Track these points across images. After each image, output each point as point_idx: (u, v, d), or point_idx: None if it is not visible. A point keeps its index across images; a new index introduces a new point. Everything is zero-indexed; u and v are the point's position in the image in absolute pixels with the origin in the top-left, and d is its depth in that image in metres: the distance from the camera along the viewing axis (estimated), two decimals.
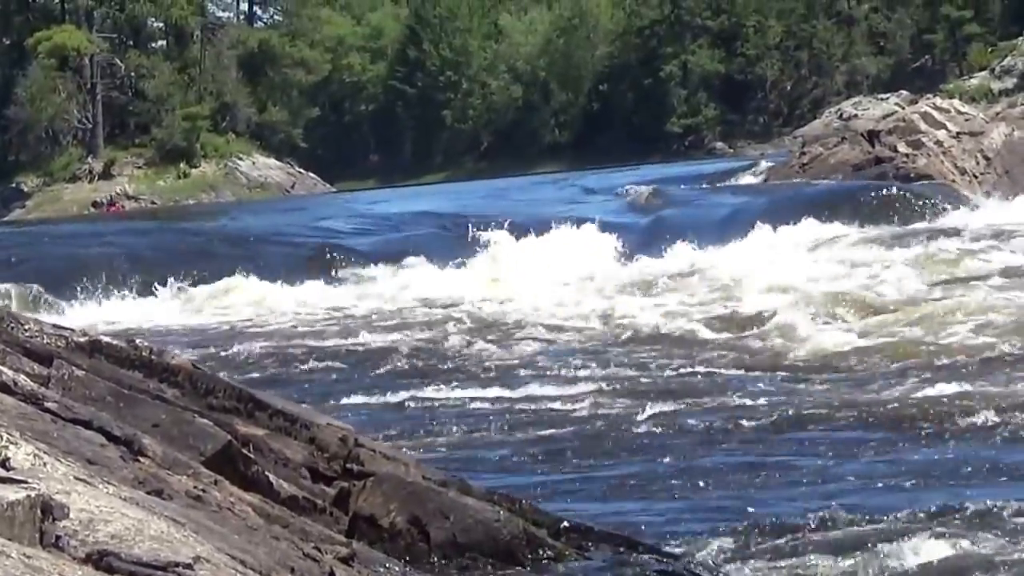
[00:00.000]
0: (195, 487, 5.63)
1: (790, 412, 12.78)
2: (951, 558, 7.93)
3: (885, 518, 8.89)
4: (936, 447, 11.08)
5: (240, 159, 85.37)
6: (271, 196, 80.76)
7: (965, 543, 8.16)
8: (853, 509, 9.18)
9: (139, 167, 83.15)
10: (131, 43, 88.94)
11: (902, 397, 13.23)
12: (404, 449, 9.34)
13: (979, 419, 11.83)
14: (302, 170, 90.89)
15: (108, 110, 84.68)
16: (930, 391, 13.31)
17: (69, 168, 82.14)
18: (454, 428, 13.01)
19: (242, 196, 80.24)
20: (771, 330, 18.33)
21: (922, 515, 8.86)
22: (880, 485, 9.97)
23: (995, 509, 8.81)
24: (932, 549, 8.06)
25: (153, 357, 6.95)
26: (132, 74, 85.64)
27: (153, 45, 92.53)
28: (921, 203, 35.49)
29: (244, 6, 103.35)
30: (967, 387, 13.25)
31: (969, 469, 10.20)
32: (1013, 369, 14.33)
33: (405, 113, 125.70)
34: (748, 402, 13.54)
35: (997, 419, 11.74)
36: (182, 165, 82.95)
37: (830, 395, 13.78)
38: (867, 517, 8.98)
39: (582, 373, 16.11)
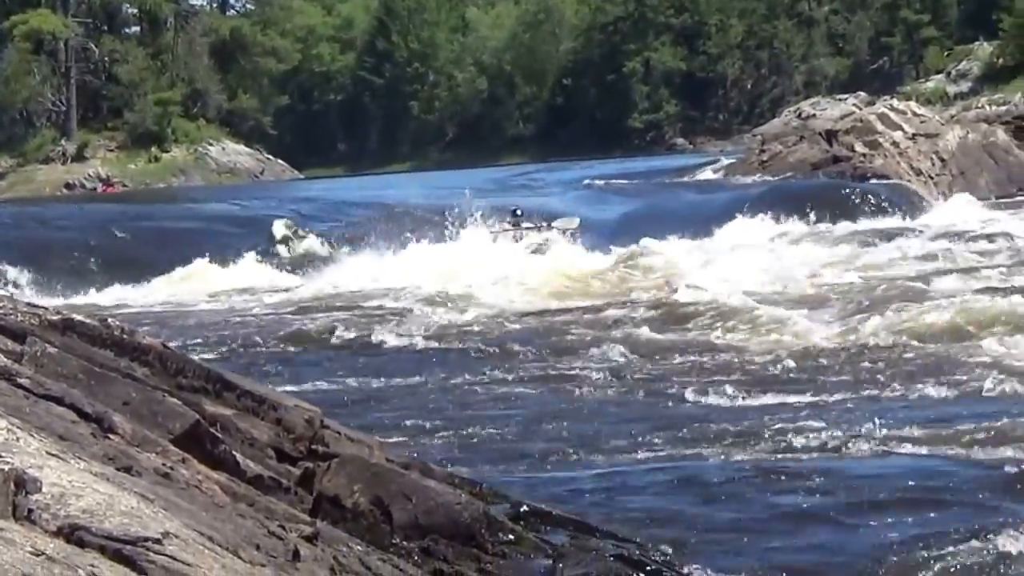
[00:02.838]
0: (164, 464, 5.70)
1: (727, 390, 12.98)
2: None
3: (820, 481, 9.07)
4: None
5: (210, 144, 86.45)
6: (240, 181, 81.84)
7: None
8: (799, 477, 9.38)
9: (111, 150, 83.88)
10: (105, 28, 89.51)
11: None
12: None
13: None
14: (271, 156, 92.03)
15: (82, 93, 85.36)
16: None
17: (43, 150, 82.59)
18: (403, 411, 13.15)
19: (211, 181, 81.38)
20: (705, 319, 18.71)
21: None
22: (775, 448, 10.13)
23: None
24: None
25: (124, 336, 7.02)
26: (106, 59, 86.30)
27: (127, 31, 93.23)
28: (877, 202, 35.78)
29: None
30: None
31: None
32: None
33: (373, 103, 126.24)
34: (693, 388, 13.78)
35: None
36: (153, 149, 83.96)
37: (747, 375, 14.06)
38: (816, 486, 9.19)
39: (530, 357, 16.25)
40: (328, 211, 38.78)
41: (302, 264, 29.23)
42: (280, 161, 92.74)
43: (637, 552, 7.56)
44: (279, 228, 32.15)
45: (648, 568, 7.27)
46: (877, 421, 11.53)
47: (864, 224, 33.55)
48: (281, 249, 30.50)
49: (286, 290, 25.78)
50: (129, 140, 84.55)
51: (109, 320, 7.18)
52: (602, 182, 47.54)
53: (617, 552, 7.41)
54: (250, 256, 29.35)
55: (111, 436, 5.73)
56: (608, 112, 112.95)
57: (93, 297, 26.45)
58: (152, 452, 5.82)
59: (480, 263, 26.98)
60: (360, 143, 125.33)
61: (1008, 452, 10.39)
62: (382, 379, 15.29)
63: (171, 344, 7.90)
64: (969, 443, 10.76)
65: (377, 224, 32.56)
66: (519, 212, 28.67)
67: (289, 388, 13.13)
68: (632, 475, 10.30)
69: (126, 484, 5.10)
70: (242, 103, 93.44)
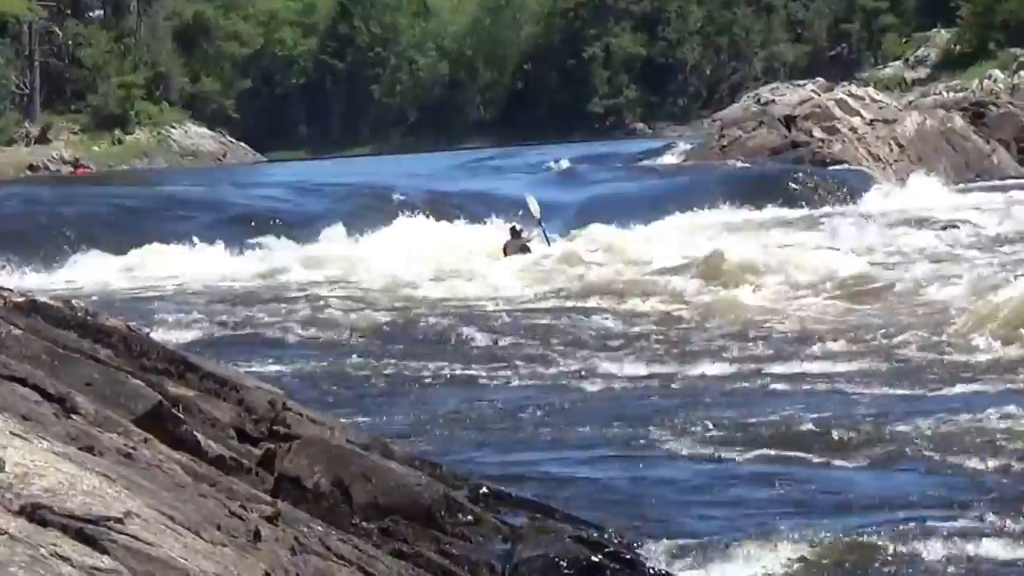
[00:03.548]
0: (126, 445, 5.73)
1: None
2: None
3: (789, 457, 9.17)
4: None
5: (173, 127, 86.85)
6: (202, 164, 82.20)
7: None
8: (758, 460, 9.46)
9: (75, 132, 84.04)
10: (69, 12, 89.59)
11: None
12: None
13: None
14: (233, 140, 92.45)
15: (45, 76, 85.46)
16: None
17: (6, 132, 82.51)
18: (363, 393, 13.19)
19: (174, 163, 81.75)
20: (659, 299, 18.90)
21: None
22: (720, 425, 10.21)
23: None
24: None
25: (88, 318, 7.04)
26: (70, 42, 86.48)
27: (91, 14, 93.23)
28: (835, 187, 35.94)
29: None
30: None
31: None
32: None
33: (335, 87, 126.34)
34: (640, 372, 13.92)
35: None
36: (117, 132, 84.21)
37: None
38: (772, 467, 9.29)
39: (502, 343, 16.32)
40: (296, 196, 38.73)
41: (262, 249, 29.16)
42: (243, 144, 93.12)
43: (595, 534, 7.61)
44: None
45: (606, 550, 7.33)
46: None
47: (819, 209, 33.75)
48: (244, 233, 30.45)
49: (245, 274, 25.74)
50: (92, 123, 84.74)
51: (73, 302, 7.20)
52: (563, 166, 47.61)
53: (575, 534, 7.47)
54: (212, 238, 29.29)
55: (74, 416, 5.76)
56: (569, 97, 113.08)
57: (51, 277, 26.35)
58: (115, 432, 5.85)
59: (446, 249, 27.00)
60: (322, 127, 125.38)
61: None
62: (342, 362, 15.33)
63: (134, 326, 7.92)
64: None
65: (341, 208, 32.63)
66: (519, 228, 27.79)
67: (251, 370, 13.14)
68: (595, 459, 10.37)
69: (89, 464, 5.13)
70: (205, 87, 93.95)
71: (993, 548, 7.64)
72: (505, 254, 26.22)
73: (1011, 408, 10.95)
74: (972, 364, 13.67)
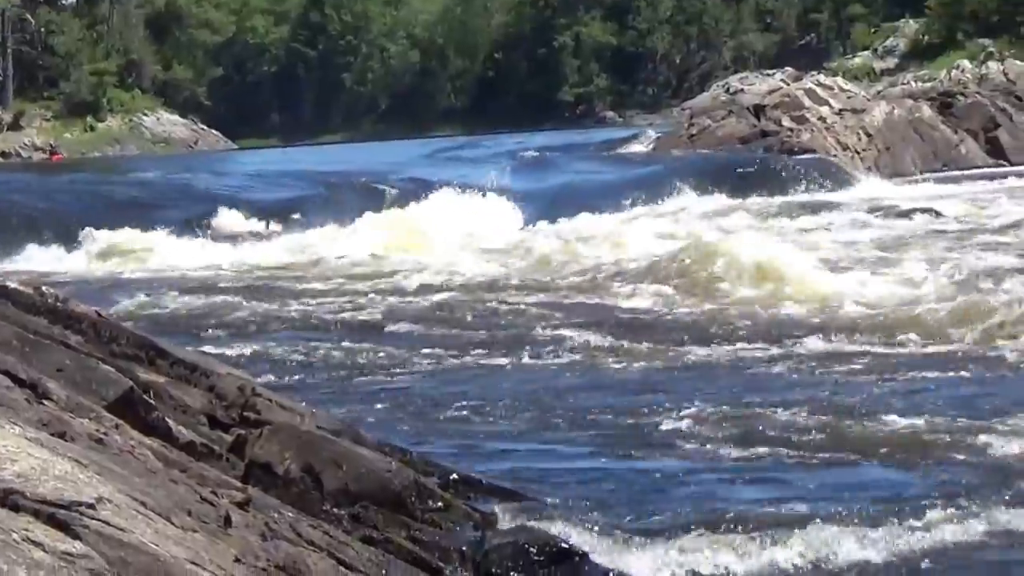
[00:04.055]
0: (97, 430, 5.74)
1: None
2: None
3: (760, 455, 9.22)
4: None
5: (145, 115, 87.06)
6: (174, 151, 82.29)
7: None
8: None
9: (47, 119, 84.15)
10: (42, 0, 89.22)
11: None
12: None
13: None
14: (205, 127, 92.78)
15: (18, 64, 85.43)
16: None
17: None
18: (335, 379, 13.21)
19: (146, 150, 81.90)
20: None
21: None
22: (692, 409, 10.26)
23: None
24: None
25: (59, 304, 7.05)
26: (42, 30, 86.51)
27: (63, 2, 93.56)
28: (803, 176, 36.06)
29: None
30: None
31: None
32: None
33: (306, 75, 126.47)
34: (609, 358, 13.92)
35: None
36: (89, 119, 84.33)
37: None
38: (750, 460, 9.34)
39: (466, 329, 16.34)
40: (269, 184, 38.71)
41: (237, 235, 29.16)
42: (214, 131, 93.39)
43: (566, 520, 7.64)
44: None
45: (576, 535, 7.36)
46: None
47: (800, 197, 33.89)
48: (217, 219, 30.45)
49: (220, 262, 25.73)
50: (65, 110, 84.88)
51: (44, 288, 7.21)
52: (533, 154, 47.67)
53: (545, 520, 7.50)
54: (184, 226, 29.26)
55: (46, 402, 5.77)
56: (539, 85, 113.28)
57: (14, 263, 26.30)
58: (86, 418, 5.86)
59: (412, 237, 27.00)
60: (294, 114, 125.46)
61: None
62: (314, 348, 15.32)
63: (104, 312, 7.93)
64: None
65: (319, 197, 32.64)
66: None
67: (221, 355, 13.13)
68: (568, 446, 10.39)
69: (60, 449, 5.14)
70: (177, 74, 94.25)
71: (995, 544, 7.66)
72: None
73: None
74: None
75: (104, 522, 4.55)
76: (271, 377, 12.76)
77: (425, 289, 20.37)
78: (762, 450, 9.85)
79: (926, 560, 7.40)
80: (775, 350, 14.20)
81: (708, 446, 10.15)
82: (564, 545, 7.16)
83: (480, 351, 14.79)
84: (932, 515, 7.95)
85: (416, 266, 23.23)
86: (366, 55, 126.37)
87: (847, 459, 9.58)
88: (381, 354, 14.73)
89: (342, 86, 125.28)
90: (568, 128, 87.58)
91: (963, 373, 12.61)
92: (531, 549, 7.02)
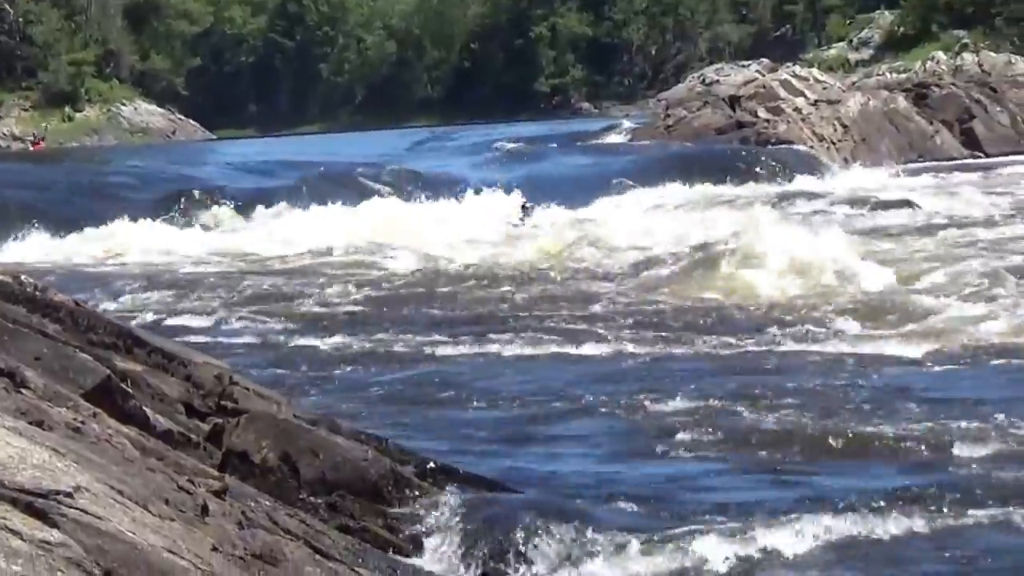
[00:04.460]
0: (75, 419, 5.74)
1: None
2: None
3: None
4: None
5: (123, 105, 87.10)
6: (152, 141, 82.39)
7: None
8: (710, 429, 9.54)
9: (25, 109, 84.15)
10: None
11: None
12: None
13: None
14: (183, 117, 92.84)
15: None
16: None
17: None
18: (312, 369, 13.22)
19: (124, 140, 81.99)
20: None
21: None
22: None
23: None
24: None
25: (37, 293, 7.05)
26: (20, 19, 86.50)
27: None
28: (779, 167, 36.11)
29: None
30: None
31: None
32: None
33: (283, 65, 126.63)
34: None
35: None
36: (67, 109, 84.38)
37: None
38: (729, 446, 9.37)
39: (444, 318, 16.35)
40: (248, 173, 38.67)
41: (217, 225, 29.12)
42: (192, 121, 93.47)
43: (542, 509, 7.65)
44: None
45: (552, 525, 7.37)
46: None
47: (775, 188, 33.93)
48: (198, 209, 30.40)
49: (203, 250, 25.72)
50: (43, 100, 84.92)
51: (22, 277, 7.20)
52: (509, 145, 47.67)
53: (524, 509, 7.51)
54: (164, 215, 29.22)
55: (23, 391, 5.77)
56: (515, 76, 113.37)
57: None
58: (64, 407, 5.87)
59: (396, 227, 26.98)
60: (271, 105, 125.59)
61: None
62: (292, 338, 15.33)
63: (82, 301, 7.92)
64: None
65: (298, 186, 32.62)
66: (528, 205, 26.99)
67: (202, 344, 13.14)
68: (543, 435, 10.42)
69: (38, 438, 5.14)
70: (155, 64, 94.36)
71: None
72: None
73: None
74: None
75: (82, 511, 4.55)
76: (248, 366, 12.75)
77: (411, 277, 20.39)
78: (749, 447, 9.84)
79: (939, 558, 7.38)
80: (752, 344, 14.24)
81: (700, 440, 10.18)
82: (539, 533, 7.19)
83: (468, 340, 14.80)
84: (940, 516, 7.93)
85: (403, 255, 23.22)
86: (343, 46, 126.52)
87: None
88: (367, 344, 14.73)
89: (319, 76, 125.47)
90: (544, 119, 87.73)
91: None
92: (506, 536, 7.05)
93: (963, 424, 9.98)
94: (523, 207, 26.92)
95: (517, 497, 7.79)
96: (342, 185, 32.10)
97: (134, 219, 28.54)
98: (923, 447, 9.54)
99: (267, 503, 6.27)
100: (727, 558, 7.21)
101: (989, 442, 9.53)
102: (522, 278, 19.85)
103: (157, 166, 42.79)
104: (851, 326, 14.71)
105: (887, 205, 29.25)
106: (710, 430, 10.19)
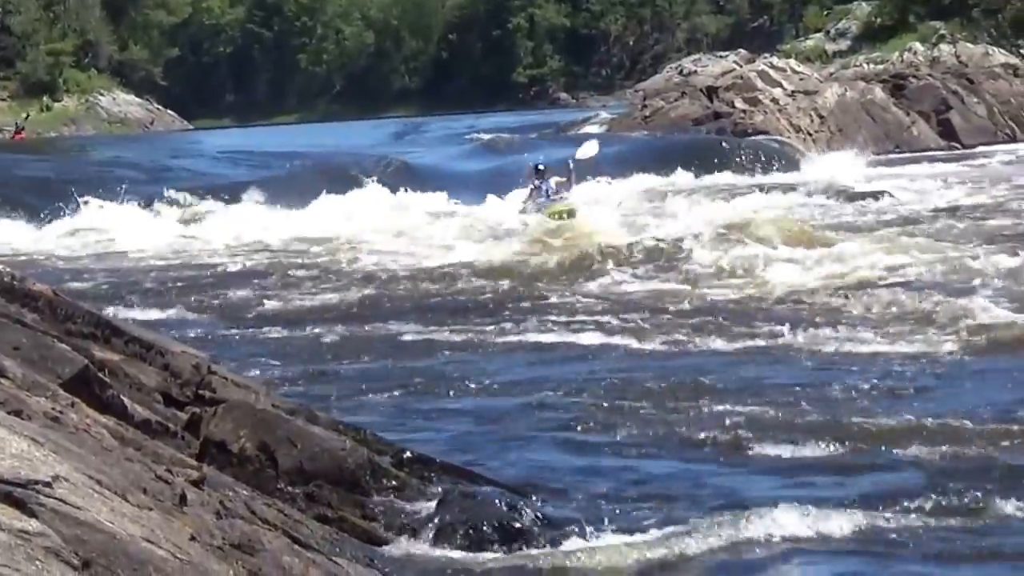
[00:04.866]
0: (53, 408, 5.75)
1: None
2: None
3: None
4: None
5: (101, 95, 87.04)
6: (130, 131, 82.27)
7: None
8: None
9: (3, 99, 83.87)
10: None
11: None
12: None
13: None
14: (161, 107, 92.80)
15: None
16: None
17: None
18: (290, 358, 13.23)
19: (102, 130, 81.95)
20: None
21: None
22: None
23: None
24: None
25: (15, 283, 7.04)
26: None
27: None
28: (755, 157, 36.12)
29: None
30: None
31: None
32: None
33: (261, 56, 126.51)
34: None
35: None
36: (45, 99, 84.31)
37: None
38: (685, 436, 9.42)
39: (423, 308, 16.37)
40: (228, 162, 38.64)
41: (195, 215, 29.09)
42: (170, 112, 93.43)
43: (519, 500, 7.67)
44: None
45: (528, 515, 7.39)
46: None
47: (753, 178, 33.94)
48: (175, 199, 30.37)
49: (181, 239, 25.72)
50: (21, 89, 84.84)
51: (0, 267, 7.20)
52: (486, 136, 47.69)
53: (498, 498, 7.53)
54: (142, 204, 29.18)
55: (2, 380, 5.77)
56: (493, 67, 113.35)
57: None
58: (42, 396, 5.87)
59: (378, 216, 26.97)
60: (249, 95, 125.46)
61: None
62: (270, 327, 15.33)
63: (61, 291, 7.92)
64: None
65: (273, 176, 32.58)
66: (542, 167, 26.19)
67: (182, 335, 13.16)
68: (518, 426, 10.43)
69: (17, 428, 5.14)
70: (133, 54, 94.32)
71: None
72: (524, 207, 25.50)
73: None
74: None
75: (60, 500, 4.56)
76: (224, 356, 12.73)
77: (390, 267, 20.40)
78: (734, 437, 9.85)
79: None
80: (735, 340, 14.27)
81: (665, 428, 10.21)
82: (517, 524, 7.21)
83: (459, 330, 14.82)
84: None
85: (386, 246, 23.22)
86: (321, 36, 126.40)
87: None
88: (360, 335, 14.73)
89: (297, 67, 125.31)
90: (522, 110, 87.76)
91: None
92: (484, 527, 7.07)
93: None
94: (537, 168, 26.09)
95: (493, 488, 7.80)
96: (328, 176, 31.97)
97: (117, 208, 28.50)
98: None
99: (245, 493, 6.28)
100: (704, 551, 7.24)
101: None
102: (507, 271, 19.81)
103: (134, 156, 42.68)
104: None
105: (863, 196, 29.28)
106: (702, 420, 10.23)
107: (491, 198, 29.61)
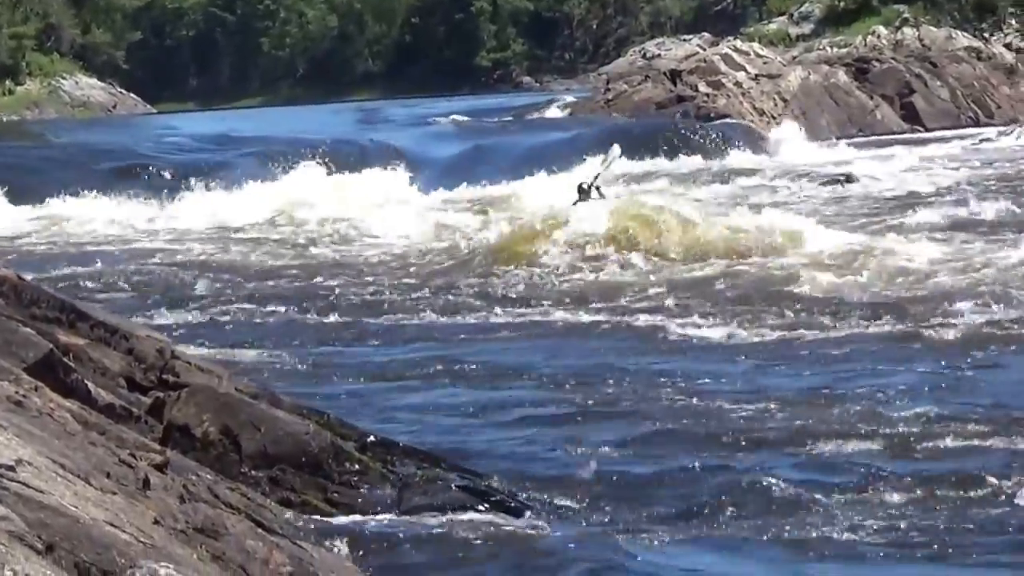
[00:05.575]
0: (17, 392, 5.76)
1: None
2: None
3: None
4: None
5: (64, 78, 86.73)
6: (93, 115, 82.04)
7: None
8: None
9: None
10: None
11: None
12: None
13: None
14: (123, 91, 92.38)
15: None
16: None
17: None
18: (252, 340, 13.24)
19: (65, 114, 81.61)
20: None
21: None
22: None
23: None
24: None
25: None
26: None
27: None
28: (718, 141, 36.12)
29: None
30: None
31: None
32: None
33: (224, 39, 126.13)
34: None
35: None
36: (7, 82, 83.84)
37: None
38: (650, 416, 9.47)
39: (382, 293, 16.38)
40: (191, 146, 38.47)
41: (161, 198, 28.98)
42: (132, 95, 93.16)
43: (483, 484, 7.70)
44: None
45: (493, 499, 7.43)
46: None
47: (715, 162, 33.94)
48: (142, 182, 30.26)
49: (147, 223, 25.65)
50: None
51: None
52: (447, 119, 47.65)
53: (463, 484, 7.57)
54: (104, 189, 29.05)
55: None
56: (456, 50, 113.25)
57: None
58: (5, 380, 5.88)
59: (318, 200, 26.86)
60: (212, 78, 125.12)
61: None
62: (233, 309, 15.32)
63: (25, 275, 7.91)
64: None
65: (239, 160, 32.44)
66: (586, 186, 25.81)
67: (151, 322, 13.15)
68: (482, 410, 10.46)
69: None
70: (95, 38, 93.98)
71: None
72: None
73: None
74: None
75: (24, 484, 4.57)
76: (186, 340, 12.73)
77: (355, 254, 20.40)
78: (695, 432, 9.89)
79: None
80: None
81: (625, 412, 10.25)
82: (480, 507, 7.24)
83: (409, 317, 14.83)
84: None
85: (353, 232, 23.20)
86: (284, 20, 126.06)
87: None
88: (327, 321, 14.73)
89: (260, 50, 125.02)
90: (485, 93, 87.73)
91: None
92: (448, 512, 7.11)
93: None
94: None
95: (457, 472, 7.83)
96: (287, 159, 31.82)
97: (74, 194, 28.37)
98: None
99: (209, 477, 6.31)
100: (670, 539, 7.29)
101: None
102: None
103: (98, 139, 42.52)
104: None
105: (826, 179, 29.35)
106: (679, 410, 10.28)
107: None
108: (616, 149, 26.08)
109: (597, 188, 23.36)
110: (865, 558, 7.15)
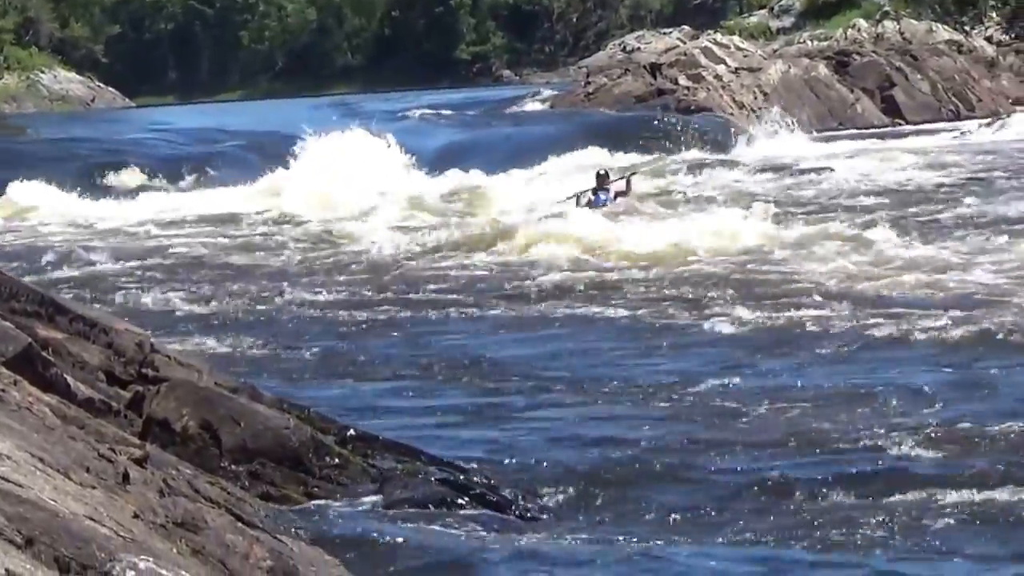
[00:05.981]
0: None
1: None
2: None
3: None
4: None
5: (42, 72, 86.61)
6: (72, 109, 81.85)
7: None
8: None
9: None
10: None
11: None
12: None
13: None
14: (102, 85, 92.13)
15: None
16: None
17: None
18: (235, 335, 13.22)
19: (43, 108, 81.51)
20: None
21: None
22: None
23: None
24: None
25: None
26: None
27: None
28: (697, 134, 36.05)
29: None
30: None
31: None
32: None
33: (204, 33, 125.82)
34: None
35: None
36: None
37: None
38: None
39: (367, 286, 16.37)
40: (174, 139, 38.43)
41: (136, 191, 28.93)
42: (111, 89, 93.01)
43: (461, 477, 7.70)
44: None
45: (471, 492, 7.43)
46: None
47: (693, 155, 33.90)
48: (120, 175, 30.21)
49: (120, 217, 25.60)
50: None
51: None
52: (426, 112, 47.52)
53: (441, 477, 7.56)
54: (87, 182, 29.00)
55: None
56: (436, 44, 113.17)
57: None
58: None
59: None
60: (191, 72, 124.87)
61: None
62: (214, 303, 15.30)
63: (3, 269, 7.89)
64: None
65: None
66: (603, 172, 25.46)
67: (133, 314, 13.10)
68: (461, 405, 10.46)
69: None
70: (74, 32, 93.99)
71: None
72: (577, 203, 24.91)
73: None
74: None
75: (3, 478, 4.56)
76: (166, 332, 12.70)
77: (342, 244, 20.38)
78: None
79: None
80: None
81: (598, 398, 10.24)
82: (459, 500, 7.24)
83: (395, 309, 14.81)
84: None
85: (335, 222, 23.17)
86: (263, 13, 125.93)
87: None
88: (312, 313, 14.72)
89: (239, 44, 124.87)
90: (465, 87, 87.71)
91: None
92: (427, 504, 7.10)
93: None
94: (598, 174, 25.29)
95: (435, 465, 7.83)
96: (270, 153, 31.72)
97: (58, 186, 28.30)
98: None
99: (188, 471, 6.29)
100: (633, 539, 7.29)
101: None
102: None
103: (75, 133, 42.41)
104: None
105: (806, 172, 29.35)
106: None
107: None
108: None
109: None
110: (874, 556, 7.16)
